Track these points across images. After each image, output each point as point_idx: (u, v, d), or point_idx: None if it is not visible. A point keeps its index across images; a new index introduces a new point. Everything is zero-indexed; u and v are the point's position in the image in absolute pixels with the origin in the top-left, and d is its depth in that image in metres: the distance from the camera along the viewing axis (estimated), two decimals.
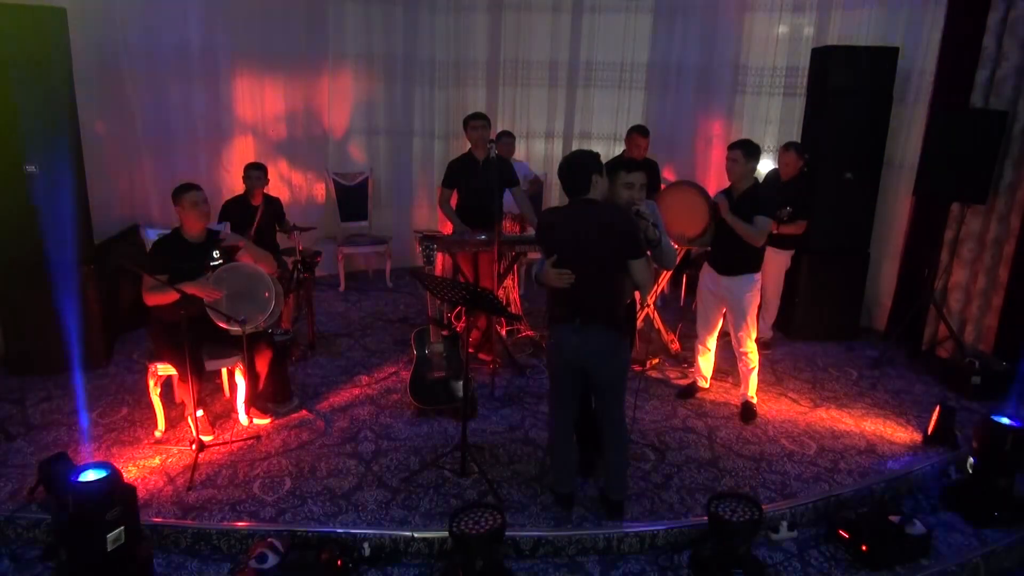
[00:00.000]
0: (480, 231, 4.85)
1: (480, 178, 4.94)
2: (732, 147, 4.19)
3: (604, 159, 3.31)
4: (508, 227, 5.27)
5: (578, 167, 3.18)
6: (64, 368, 4.69)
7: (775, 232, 4.67)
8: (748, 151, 4.14)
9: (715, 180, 6.46)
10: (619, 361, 3.31)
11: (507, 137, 6.24)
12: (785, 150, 5.23)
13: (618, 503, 3.45)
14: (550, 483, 3.60)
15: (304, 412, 4.33)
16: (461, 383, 3.97)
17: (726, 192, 4.27)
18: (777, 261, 5.23)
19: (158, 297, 3.74)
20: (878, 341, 5.73)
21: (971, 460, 3.72)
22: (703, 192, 4.53)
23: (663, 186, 5.62)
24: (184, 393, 3.89)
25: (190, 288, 3.66)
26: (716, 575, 3.09)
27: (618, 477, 3.45)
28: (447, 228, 5.59)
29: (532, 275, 3.54)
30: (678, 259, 4.33)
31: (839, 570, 3.24)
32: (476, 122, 5.03)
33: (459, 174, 5.13)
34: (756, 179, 4.30)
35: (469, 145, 5.16)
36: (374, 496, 3.53)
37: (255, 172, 5.16)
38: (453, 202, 5.25)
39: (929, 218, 5.42)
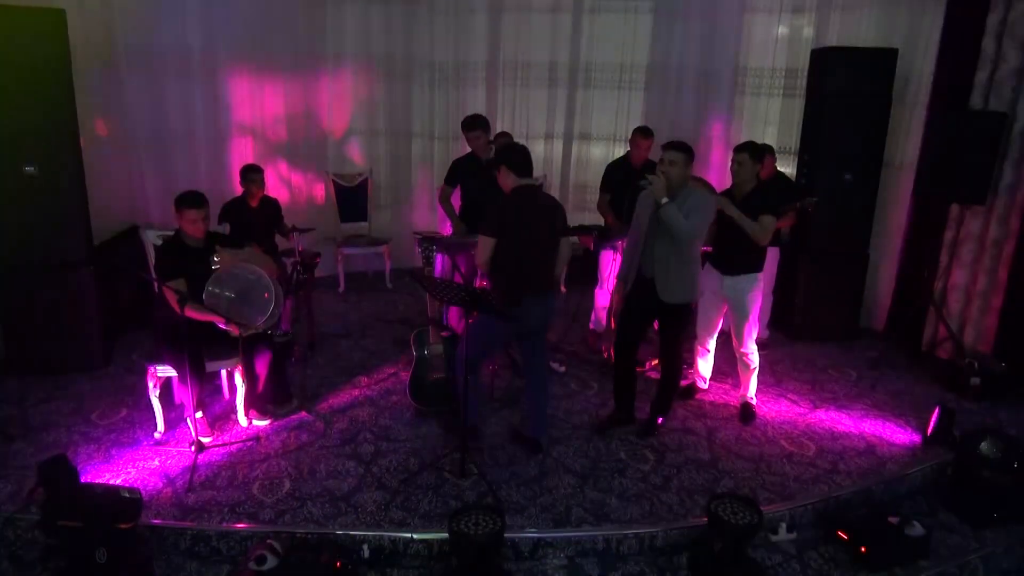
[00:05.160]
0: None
1: (481, 180, 4.94)
2: (739, 149, 4.17)
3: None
4: None
5: (528, 153, 3.71)
6: (63, 369, 4.70)
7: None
8: (755, 153, 4.14)
9: (715, 181, 6.45)
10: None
11: (505, 138, 6.23)
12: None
13: (537, 440, 3.96)
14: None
15: (303, 413, 4.33)
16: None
17: (727, 193, 4.27)
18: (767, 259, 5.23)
19: (199, 315, 3.74)
20: (878, 342, 5.74)
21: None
22: (707, 186, 4.50)
23: None
24: (184, 394, 3.88)
25: (223, 324, 3.76)
26: None
27: (540, 416, 3.99)
28: (447, 229, 5.58)
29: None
30: None
31: (838, 571, 3.24)
32: (471, 133, 5.03)
33: (462, 173, 5.13)
34: (759, 180, 4.30)
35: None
36: (373, 497, 3.53)
37: (252, 174, 5.16)
38: (456, 202, 5.24)
39: (928, 219, 5.42)
